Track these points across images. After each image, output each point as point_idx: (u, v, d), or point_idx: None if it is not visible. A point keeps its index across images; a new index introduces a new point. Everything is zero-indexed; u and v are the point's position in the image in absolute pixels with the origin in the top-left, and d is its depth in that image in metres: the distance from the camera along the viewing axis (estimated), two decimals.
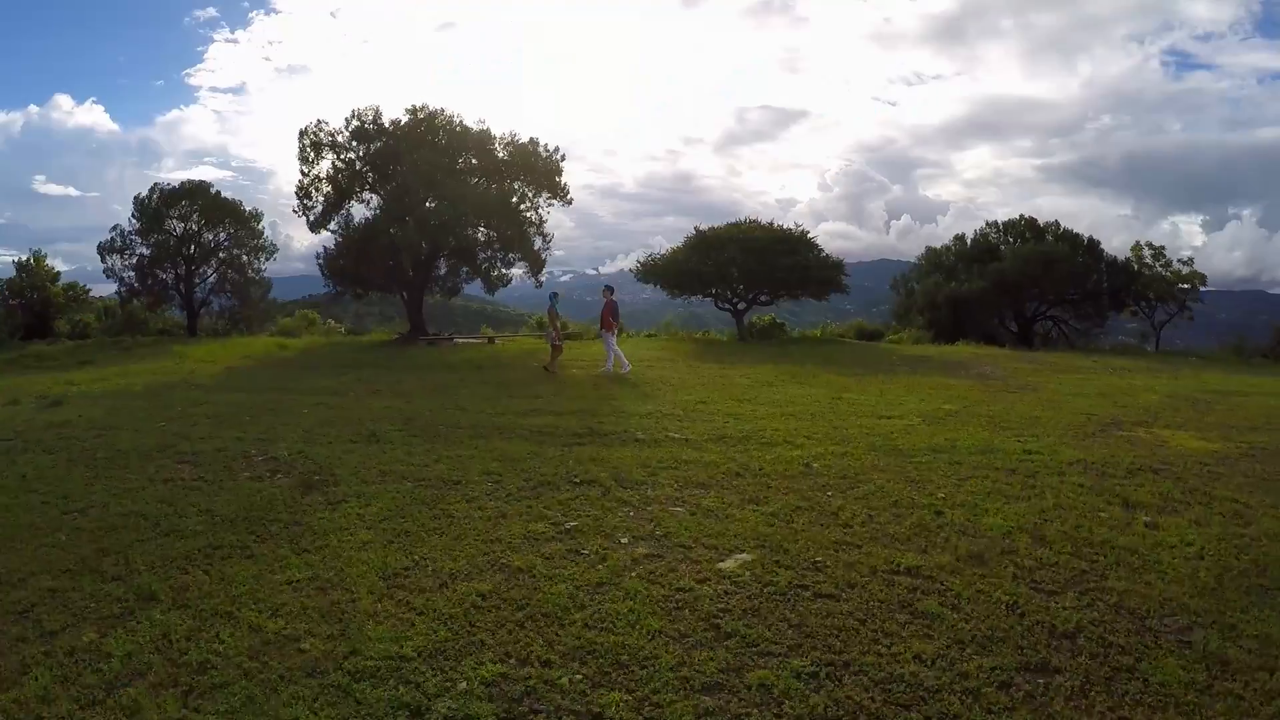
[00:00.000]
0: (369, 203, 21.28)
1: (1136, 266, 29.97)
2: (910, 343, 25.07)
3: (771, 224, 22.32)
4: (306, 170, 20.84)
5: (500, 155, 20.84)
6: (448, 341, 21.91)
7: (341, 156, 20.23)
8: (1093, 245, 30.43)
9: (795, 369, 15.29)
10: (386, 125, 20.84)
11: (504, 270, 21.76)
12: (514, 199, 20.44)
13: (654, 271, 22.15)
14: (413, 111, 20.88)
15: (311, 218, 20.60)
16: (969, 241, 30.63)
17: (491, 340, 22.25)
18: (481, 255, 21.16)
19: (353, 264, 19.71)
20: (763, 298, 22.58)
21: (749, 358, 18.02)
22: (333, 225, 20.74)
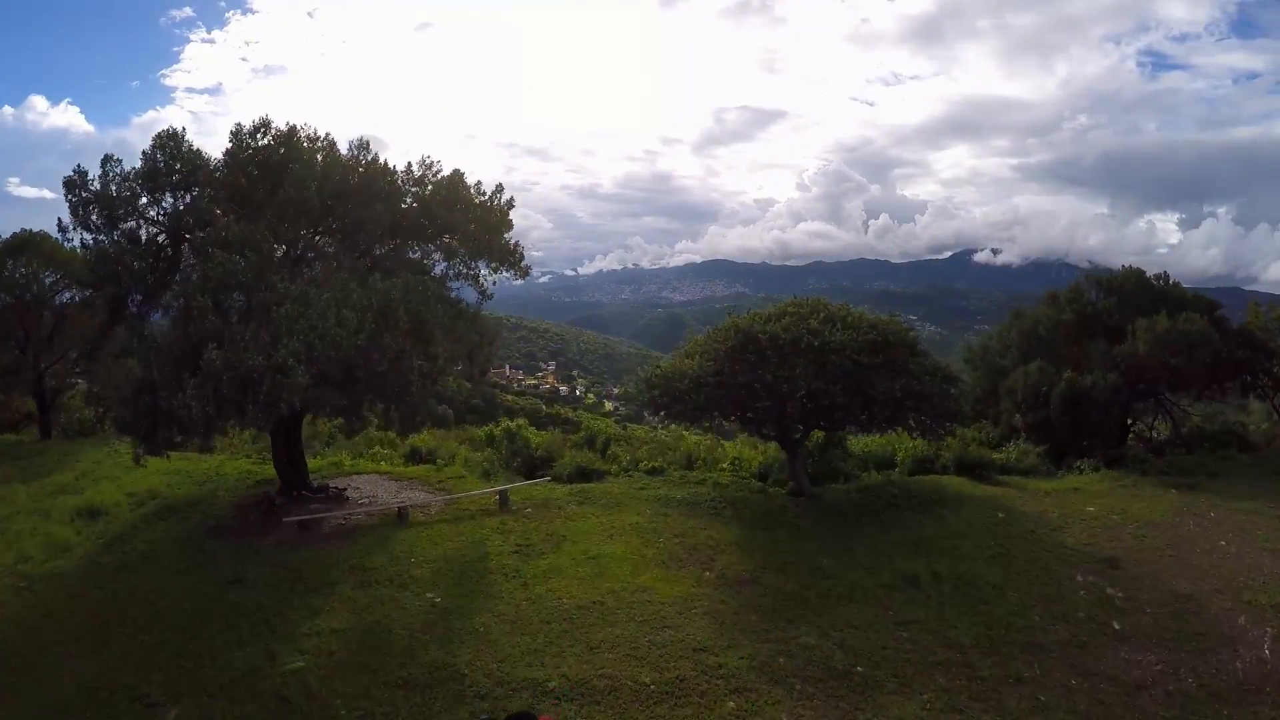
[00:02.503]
0: (172, 298, 11.90)
1: (1263, 336, 22.92)
2: (1052, 468, 17.82)
3: (848, 310, 14.08)
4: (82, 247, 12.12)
5: (409, 204, 12.79)
6: (335, 511, 13.74)
7: (120, 227, 11.88)
8: (1211, 308, 23.44)
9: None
10: (214, 159, 11.92)
11: (436, 402, 12.88)
12: (435, 269, 12.54)
13: (669, 390, 13.26)
14: (250, 134, 11.76)
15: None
16: (1062, 302, 23.30)
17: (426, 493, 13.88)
18: (387, 378, 12.47)
19: (149, 409, 10.79)
20: (843, 427, 14.45)
21: (852, 568, 10.51)
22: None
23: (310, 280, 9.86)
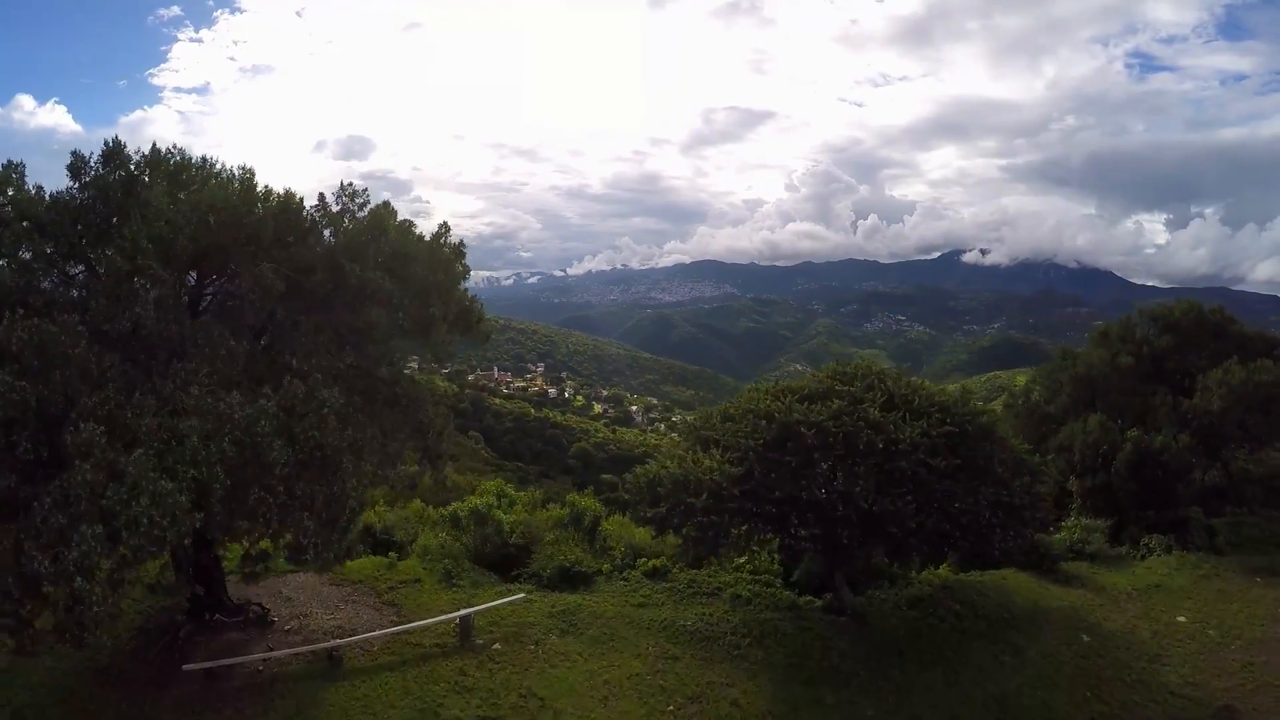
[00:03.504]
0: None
1: None
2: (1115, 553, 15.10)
3: (910, 385, 10.74)
4: None
5: (322, 250, 8.98)
6: (252, 655, 10.48)
7: None
8: (1272, 345, 20.90)
9: None
10: (51, 194, 8.14)
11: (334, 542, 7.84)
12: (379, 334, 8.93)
13: (678, 502, 9.56)
14: (99, 164, 8.13)
15: None
16: (1114, 339, 20.57)
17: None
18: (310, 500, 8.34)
19: None
20: (910, 555, 10.61)
21: None
22: None
23: (168, 398, 6.64)
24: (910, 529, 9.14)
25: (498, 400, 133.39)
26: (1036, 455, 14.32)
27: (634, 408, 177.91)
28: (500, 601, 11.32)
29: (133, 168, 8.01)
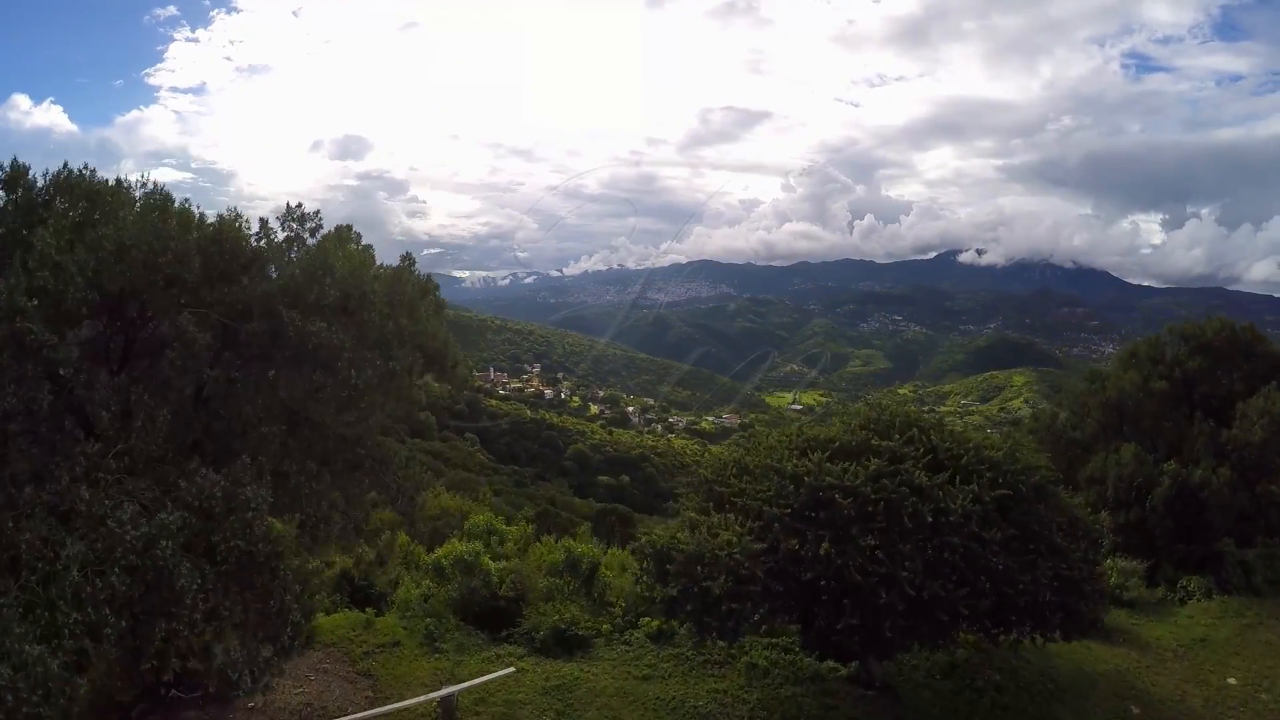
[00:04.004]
0: None
1: None
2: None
3: (955, 439, 9.27)
4: None
5: (270, 284, 7.30)
6: None
7: None
8: None
9: None
10: None
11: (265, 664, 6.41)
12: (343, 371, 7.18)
13: (691, 581, 8.08)
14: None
15: None
16: (1143, 360, 19.43)
17: None
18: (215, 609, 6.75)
19: None
20: (958, 644, 9.58)
21: None
22: None
23: (63, 493, 5.30)
24: (960, 614, 7.91)
25: (494, 401, 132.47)
26: (1067, 488, 13.24)
27: (630, 408, 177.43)
28: (487, 678, 10.07)
29: (35, 195, 6.66)
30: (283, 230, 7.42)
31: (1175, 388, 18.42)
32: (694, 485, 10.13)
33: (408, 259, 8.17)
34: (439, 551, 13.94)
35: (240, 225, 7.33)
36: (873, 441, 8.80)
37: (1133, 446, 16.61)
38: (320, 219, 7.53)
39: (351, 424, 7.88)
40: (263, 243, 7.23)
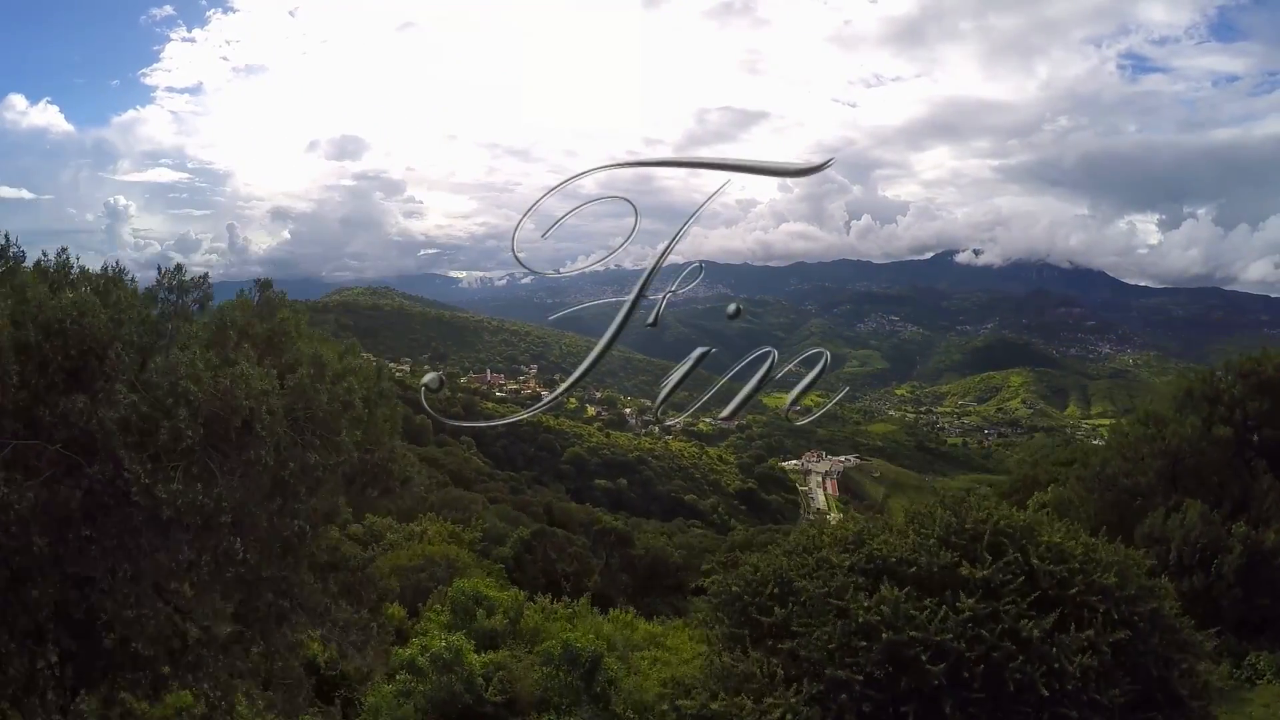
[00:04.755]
0: None
1: None
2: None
3: (1046, 533, 7.37)
4: None
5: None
6: None
7: None
8: None
9: None
10: None
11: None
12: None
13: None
14: None
15: None
16: (1200, 401, 17.56)
17: None
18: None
19: None
20: None
21: None
22: None
23: None
24: None
25: (490, 404, 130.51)
26: (1123, 543, 11.36)
27: (628, 410, 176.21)
28: None
29: None
30: (162, 300, 5.32)
31: (1236, 432, 16.61)
32: (721, 601, 8.09)
33: (352, 349, 6.11)
34: (413, 646, 11.94)
35: (119, 295, 5.29)
36: (961, 569, 6.77)
37: (1198, 505, 14.77)
38: (209, 287, 5.46)
39: (310, 527, 5.92)
40: (124, 329, 4.98)
